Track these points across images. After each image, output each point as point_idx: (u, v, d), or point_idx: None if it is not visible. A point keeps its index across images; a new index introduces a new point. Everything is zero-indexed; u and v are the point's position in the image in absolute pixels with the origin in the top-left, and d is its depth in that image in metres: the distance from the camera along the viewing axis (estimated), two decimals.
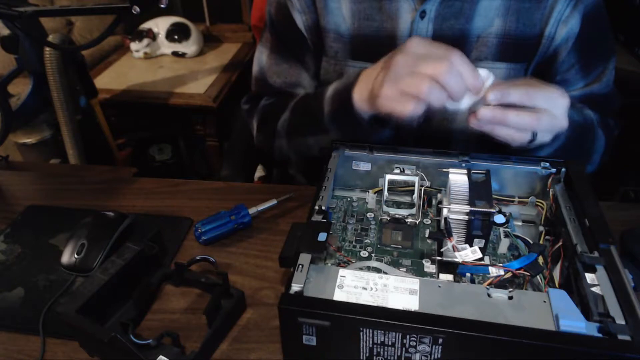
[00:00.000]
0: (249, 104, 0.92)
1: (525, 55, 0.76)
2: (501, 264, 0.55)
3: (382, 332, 0.44)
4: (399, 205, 0.66)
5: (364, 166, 0.68)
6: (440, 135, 0.80)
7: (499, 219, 0.58)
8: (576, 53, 0.75)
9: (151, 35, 1.92)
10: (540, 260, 0.55)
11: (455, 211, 0.56)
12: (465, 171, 0.60)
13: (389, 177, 0.65)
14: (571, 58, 0.75)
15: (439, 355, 0.44)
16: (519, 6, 0.73)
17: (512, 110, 0.57)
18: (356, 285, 0.48)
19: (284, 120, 0.81)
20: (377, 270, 0.56)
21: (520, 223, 0.64)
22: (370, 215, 0.66)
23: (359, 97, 0.65)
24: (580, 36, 0.74)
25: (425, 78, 0.55)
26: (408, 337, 0.44)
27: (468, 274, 0.55)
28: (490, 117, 0.57)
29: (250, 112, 0.91)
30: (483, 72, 0.58)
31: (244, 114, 0.94)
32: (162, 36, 1.95)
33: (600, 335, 0.42)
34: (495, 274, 0.54)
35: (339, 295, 0.47)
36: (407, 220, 0.63)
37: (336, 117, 0.70)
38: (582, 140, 0.73)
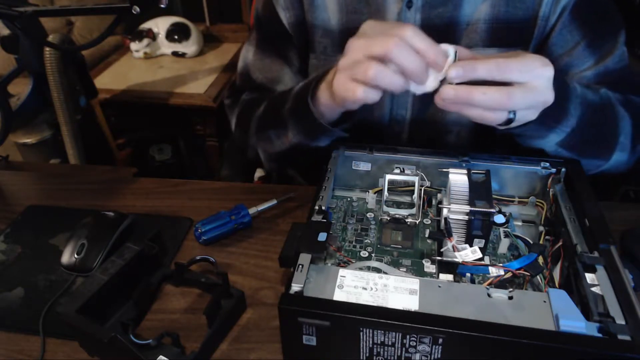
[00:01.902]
0: (230, 99, 0.91)
1: (518, 40, 0.74)
2: (501, 264, 0.55)
3: (382, 332, 0.44)
4: (399, 205, 0.66)
5: (364, 166, 0.68)
6: (434, 126, 0.80)
7: (499, 219, 0.57)
8: (579, 30, 0.72)
9: (151, 35, 1.92)
10: (540, 260, 0.55)
11: (455, 211, 0.56)
12: (465, 171, 0.60)
13: (389, 177, 0.65)
14: (575, 36, 0.72)
15: (439, 355, 0.44)
16: None
17: (478, 89, 0.50)
18: (356, 285, 0.48)
19: (257, 115, 0.80)
20: (377, 270, 0.56)
21: (520, 223, 0.64)
22: (370, 215, 0.66)
23: (324, 88, 0.63)
24: (579, 10, 0.71)
25: (371, 61, 0.51)
26: (408, 337, 0.44)
27: (468, 274, 0.55)
28: (453, 97, 0.51)
29: (231, 107, 0.90)
30: (445, 46, 0.53)
31: (226, 109, 0.92)
32: (162, 36, 1.95)
33: (600, 335, 0.42)
34: (495, 274, 0.54)
35: (339, 295, 0.47)
36: (407, 220, 0.63)
37: (295, 109, 0.68)
38: (601, 120, 0.66)
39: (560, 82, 0.58)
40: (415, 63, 0.51)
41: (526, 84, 0.51)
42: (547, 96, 0.53)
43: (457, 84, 0.51)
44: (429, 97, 0.76)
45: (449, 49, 0.52)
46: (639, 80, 0.75)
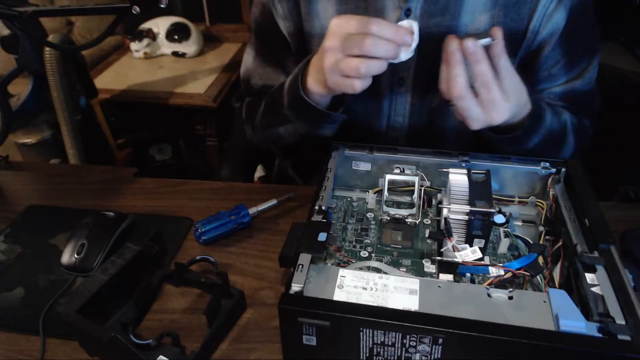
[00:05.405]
0: (238, 103, 0.94)
1: (514, 51, 0.75)
2: (501, 264, 0.55)
3: (382, 332, 0.44)
4: (399, 205, 0.66)
5: (364, 166, 0.68)
6: (432, 132, 0.80)
7: (499, 219, 0.58)
8: (561, 49, 0.74)
9: (151, 35, 1.92)
10: (540, 260, 0.55)
11: (455, 211, 0.57)
12: (465, 171, 0.60)
13: (389, 177, 0.65)
14: (557, 54, 0.75)
15: (439, 355, 0.44)
16: (506, 1, 0.72)
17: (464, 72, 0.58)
18: (356, 285, 0.48)
19: (259, 114, 0.84)
20: (377, 270, 0.56)
21: (520, 223, 0.64)
22: (370, 215, 0.66)
23: (314, 82, 0.66)
24: (565, 31, 0.73)
25: (355, 60, 0.58)
26: (408, 337, 0.44)
27: (468, 274, 0.55)
28: (472, 51, 0.57)
29: (240, 110, 0.94)
30: (406, 22, 0.59)
31: (237, 112, 0.96)
32: (162, 36, 1.95)
33: (600, 335, 0.42)
34: (495, 274, 0.54)
35: (339, 295, 0.47)
36: (407, 220, 0.63)
37: (293, 105, 0.71)
38: (551, 145, 0.74)
39: (536, 115, 0.66)
40: (390, 50, 0.58)
41: (483, 103, 0.58)
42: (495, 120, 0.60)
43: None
44: (426, 105, 0.77)
45: (412, 23, 0.59)
46: (597, 106, 0.82)
